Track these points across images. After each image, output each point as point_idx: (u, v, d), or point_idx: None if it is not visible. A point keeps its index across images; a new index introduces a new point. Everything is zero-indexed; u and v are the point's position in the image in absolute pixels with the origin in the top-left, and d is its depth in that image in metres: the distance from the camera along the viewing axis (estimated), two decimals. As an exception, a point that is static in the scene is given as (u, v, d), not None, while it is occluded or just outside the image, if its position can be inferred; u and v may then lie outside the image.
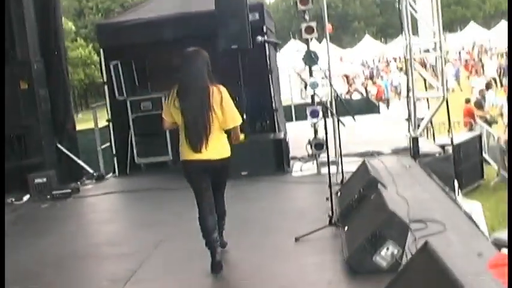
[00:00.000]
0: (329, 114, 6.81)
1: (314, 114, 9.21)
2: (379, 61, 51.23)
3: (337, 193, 7.08)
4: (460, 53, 51.85)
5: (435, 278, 3.15)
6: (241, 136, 9.31)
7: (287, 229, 6.37)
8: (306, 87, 22.21)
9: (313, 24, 9.02)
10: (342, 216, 6.08)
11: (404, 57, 9.93)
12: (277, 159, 9.46)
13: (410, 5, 9.41)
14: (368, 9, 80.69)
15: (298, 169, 9.68)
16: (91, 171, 10.65)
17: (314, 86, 9.08)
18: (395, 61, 45.56)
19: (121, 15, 11.88)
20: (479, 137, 14.13)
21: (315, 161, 9.63)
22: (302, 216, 6.96)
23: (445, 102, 9.82)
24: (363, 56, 52.92)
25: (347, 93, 29.74)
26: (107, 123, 10.84)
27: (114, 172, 10.74)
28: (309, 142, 9.48)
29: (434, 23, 9.74)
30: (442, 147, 10.13)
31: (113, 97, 10.62)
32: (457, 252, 5.10)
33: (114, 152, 10.65)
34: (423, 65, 36.34)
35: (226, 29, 9.17)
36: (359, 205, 5.90)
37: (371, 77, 38.78)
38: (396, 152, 10.09)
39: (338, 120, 7.09)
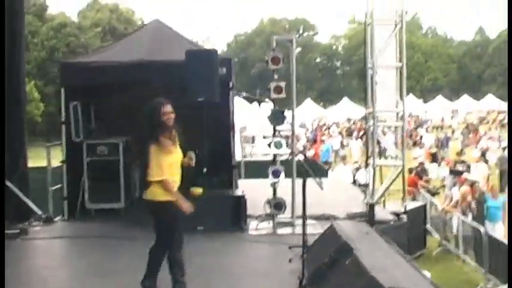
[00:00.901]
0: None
1: (276, 174, 9.19)
2: (318, 125, 52.18)
3: (302, 256, 6.99)
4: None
5: None
6: (199, 190, 9.28)
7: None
8: (252, 142, 22.54)
9: (283, 84, 9.09)
10: (311, 280, 6.00)
11: (366, 125, 10.09)
12: (235, 216, 9.32)
13: (377, 74, 9.61)
14: (310, 72, 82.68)
15: (254, 227, 9.55)
16: (39, 212, 10.21)
17: (278, 145, 9.10)
18: (337, 126, 46.59)
19: (85, 56, 11.69)
20: (424, 206, 14.45)
21: (271, 221, 9.56)
22: (266, 277, 6.85)
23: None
24: (302, 119, 53.87)
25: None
26: (60, 164, 10.48)
27: (63, 215, 10.32)
28: (268, 201, 9.41)
29: (396, 93, 9.98)
30: (396, 214, 10.24)
31: (69, 138, 10.31)
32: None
33: (65, 194, 10.27)
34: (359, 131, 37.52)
35: (195, 81, 9.10)
36: (332, 269, 5.84)
37: (314, 140, 39.31)
38: (351, 217, 10.11)
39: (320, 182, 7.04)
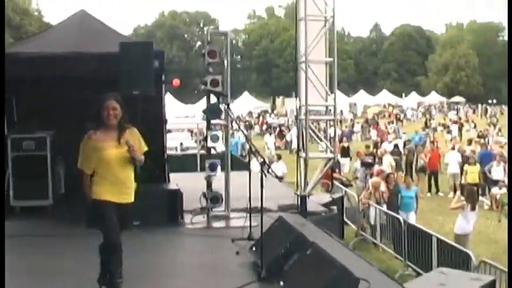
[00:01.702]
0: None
1: (213, 167, 9.17)
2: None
3: (251, 248, 7.04)
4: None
5: None
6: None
7: (207, 284, 6.22)
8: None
9: (219, 77, 9.07)
10: (269, 272, 6.05)
11: (297, 118, 10.25)
12: (171, 210, 9.22)
13: (310, 68, 9.78)
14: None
15: (188, 221, 9.49)
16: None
17: (215, 139, 9.08)
18: (240, 120, 46.97)
19: (11, 46, 11.10)
20: (342, 198, 14.86)
21: (205, 215, 9.55)
22: (215, 271, 6.83)
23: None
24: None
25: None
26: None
27: (-15, 213, 9.77)
28: (204, 195, 9.38)
29: (326, 89, 10.20)
30: (327, 206, 10.50)
31: (-9, 132, 9.81)
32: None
33: (-12, 191, 9.75)
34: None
35: (130, 74, 8.90)
36: (292, 260, 5.91)
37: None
38: (283, 209, 10.26)
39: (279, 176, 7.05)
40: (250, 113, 60.55)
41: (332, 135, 10.89)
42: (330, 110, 10.38)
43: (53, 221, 9.52)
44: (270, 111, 67.49)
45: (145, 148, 6.00)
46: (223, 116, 9.39)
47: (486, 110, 65.78)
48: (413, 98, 72.93)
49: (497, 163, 19.48)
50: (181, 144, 29.97)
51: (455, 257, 10.21)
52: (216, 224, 9.44)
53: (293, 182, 13.58)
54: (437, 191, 21.13)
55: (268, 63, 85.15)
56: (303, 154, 10.28)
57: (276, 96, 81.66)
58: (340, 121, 54.26)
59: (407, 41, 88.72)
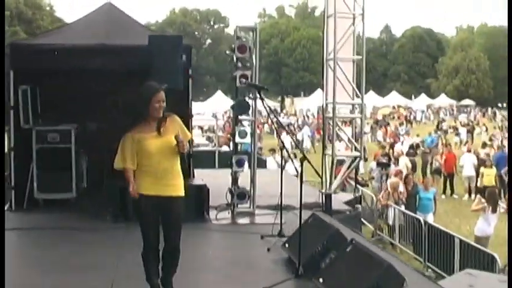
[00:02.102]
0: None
1: (241, 163, 9.12)
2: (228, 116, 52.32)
3: (284, 245, 6.98)
4: (307, 116, 54.45)
5: None
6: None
7: (242, 280, 6.16)
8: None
9: (249, 72, 9.02)
10: (306, 269, 5.99)
11: (323, 116, 10.19)
12: (197, 206, 9.15)
13: (339, 66, 9.72)
14: (220, 64, 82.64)
15: (213, 217, 9.43)
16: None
17: (243, 134, 9.03)
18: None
19: (34, 38, 11.05)
20: (360, 198, 14.80)
21: (230, 211, 9.50)
22: (248, 266, 6.77)
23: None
24: (213, 111, 53.70)
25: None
26: (7, 152, 9.90)
27: (10, 205, 9.73)
28: (230, 191, 9.32)
29: (354, 87, 10.14)
30: (351, 204, 10.44)
31: (17, 124, 9.74)
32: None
33: (12, 183, 9.70)
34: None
35: (159, 67, 8.83)
36: (328, 258, 5.86)
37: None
38: (308, 207, 10.16)
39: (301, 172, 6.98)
40: (259, 112, 60.45)
41: (344, 136, 10.79)
42: (356, 108, 10.33)
43: (77, 214, 9.46)
44: (279, 110, 67.39)
45: (189, 135, 5.88)
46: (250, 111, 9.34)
47: (495, 113, 65.51)
48: (422, 100, 72.64)
49: (513, 166, 19.39)
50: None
51: (479, 259, 10.15)
52: (242, 221, 9.39)
53: (308, 180, 13.52)
54: (452, 193, 21.03)
55: (278, 62, 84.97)
56: (328, 152, 10.23)
57: (285, 96, 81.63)
58: (350, 122, 54.36)
59: (417, 43, 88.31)
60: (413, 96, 74.53)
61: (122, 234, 8.11)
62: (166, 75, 8.82)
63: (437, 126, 44.83)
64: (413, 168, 21.48)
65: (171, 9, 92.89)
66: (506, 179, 19.20)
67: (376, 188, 17.94)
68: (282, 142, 7.96)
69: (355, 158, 10.23)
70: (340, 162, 18.04)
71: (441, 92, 79.21)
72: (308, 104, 61.71)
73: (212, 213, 9.47)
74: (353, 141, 10.38)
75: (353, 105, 10.31)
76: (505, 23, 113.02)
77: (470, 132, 40.37)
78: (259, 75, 9.49)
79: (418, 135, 34.46)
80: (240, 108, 9.08)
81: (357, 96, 10.07)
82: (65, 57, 9.28)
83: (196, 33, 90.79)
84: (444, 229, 11.85)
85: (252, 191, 9.56)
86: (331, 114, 10.08)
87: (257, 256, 7.14)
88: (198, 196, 9.13)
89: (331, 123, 10.07)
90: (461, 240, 10.85)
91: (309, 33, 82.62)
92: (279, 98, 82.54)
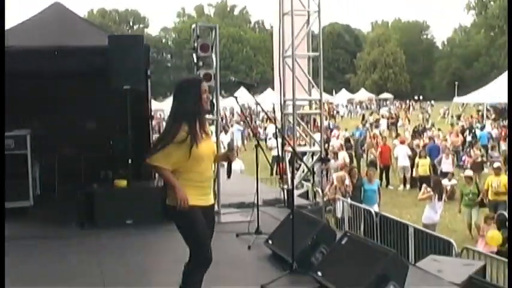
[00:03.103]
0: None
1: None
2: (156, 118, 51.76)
3: (267, 241, 7.01)
4: (232, 114, 54.65)
5: None
6: (124, 182, 8.92)
7: (235, 278, 6.14)
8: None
9: (211, 71, 8.97)
10: (299, 263, 6.04)
11: (282, 112, 10.27)
12: (165, 207, 8.99)
13: (297, 62, 9.81)
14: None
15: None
16: None
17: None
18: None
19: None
20: (307, 192, 14.98)
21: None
22: (235, 265, 6.73)
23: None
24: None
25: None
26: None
27: (-35, 217, 9.26)
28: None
29: (313, 83, 10.26)
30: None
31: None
32: None
33: (-34, 193, 9.23)
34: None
35: (118, 68, 8.65)
36: (321, 252, 5.93)
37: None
38: (270, 203, 10.25)
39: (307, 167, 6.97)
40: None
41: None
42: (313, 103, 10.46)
43: (38, 222, 9.16)
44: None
45: None
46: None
47: (409, 107, 67.80)
48: (343, 95, 74.30)
49: (446, 156, 20.17)
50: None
51: (435, 246, 10.47)
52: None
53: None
54: (388, 184, 21.60)
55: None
56: (287, 148, 10.32)
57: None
58: (274, 119, 54.79)
59: (336, 39, 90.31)
60: (334, 92, 76.12)
61: (93, 241, 7.94)
62: (127, 76, 8.71)
63: (362, 119, 45.89)
64: (351, 161, 21.97)
65: (89, 10, 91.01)
66: (439, 167, 19.97)
67: (316, 183, 18.17)
68: (258, 141, 7.91)
69: (313, 152, 10.35)
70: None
71: (360, 87, 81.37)
72: (231, 102, 61.81)
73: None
74: (312, 136, 10.51)
75: (310, 100, 10.42)
76: (418, 17, 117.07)
77: (394, 124, 41.64)
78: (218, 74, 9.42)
79: (346, 130, 35.20)
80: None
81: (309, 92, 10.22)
82: (18, 59, 8.93)
83: (115, 34, 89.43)
84: (397, 219, 12.16)
85: (217, 190, 9.51)
86: (288, 111, 10.18)
87: (239, 254, 7.12)
88: (165, 198, 8.96)
89: (290, 120, 10.16)
90: (415, 229, 11.17)
91: (229, 32, 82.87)
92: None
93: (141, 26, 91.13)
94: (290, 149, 10.09)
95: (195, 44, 8.92)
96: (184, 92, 4.75)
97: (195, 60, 9.10)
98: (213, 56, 9.24)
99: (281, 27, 10.01)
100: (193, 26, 9.26)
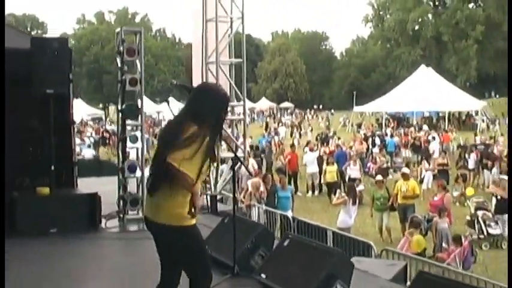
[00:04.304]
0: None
1: (132, 168, 8.92)
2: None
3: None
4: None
5: None
6: (47, 189, 8.63)
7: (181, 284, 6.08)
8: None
9: (138, 76, 8.86)
10: (240, 267, 6.07)
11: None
12: (90, 215, 8.80)
13: (221, 68, 9.87)
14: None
15: (110, 226, 9.13)
16: None
17: (134, 140, 8.86)
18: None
19: None
20: (221, 199, 15.05)
21: (120, 219, 9.26)
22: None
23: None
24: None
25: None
26: None
27: None
28: (122, 197, 9.09)
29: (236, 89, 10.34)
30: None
31: None
32: None
33: None
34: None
35: (42, 72, 8.37)
36: (260, 254, 6.01)
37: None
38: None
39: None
40: (81, 121, 58.55)
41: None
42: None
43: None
44: (103, 118, 65.89)
45: None
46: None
47: (313, 115, 69.51)
48: (239, 104, 74.66)
49: (354, 162, 20.81)
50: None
51: (354, 248, 10.79)
52: (132, 228, 9.17)
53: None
54: (296, 190, 21.99)
55: (99, 69, 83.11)
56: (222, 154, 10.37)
57: (108, 104, 79.91)
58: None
59: (237, 48, 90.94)
60: (235, 100, 76.59)
61: (17, 250, 7.62)
62: (51, 80, 8.46)
63: (266, 127, 46.51)
64: (259, 168, 22.23)
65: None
66: (346, 174, 20.56)
67: (227, 190, 18.25)
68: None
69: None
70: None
71: (261, 96, 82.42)
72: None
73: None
74: (235, 142, 10.58)
75: (233, 107, 10.51)
76: (317, 28, 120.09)
77: (298, 132, 42.59)
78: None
79: (251, 137, 35.57)
80: (130, 112, 8.89)
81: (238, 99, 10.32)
82: None
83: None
84: (315, 223, 12.43)
85: (142, 197, 9.37)
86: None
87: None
88: (90, 205, 8.78)
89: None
90: (334, 232, 11.45)
91: (130, 39, 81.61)
92: (100, 106, 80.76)
93: (39, 31, 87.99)
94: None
95: (121, 48, 8.77)
96: (220, 104, 4.35)
97: (119, 65, 8.95)
98: (137, 60, 9.14)
99: (204, 34, 10.02)
100: (118, 30, 9.12)
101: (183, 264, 4.30)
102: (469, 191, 19.55)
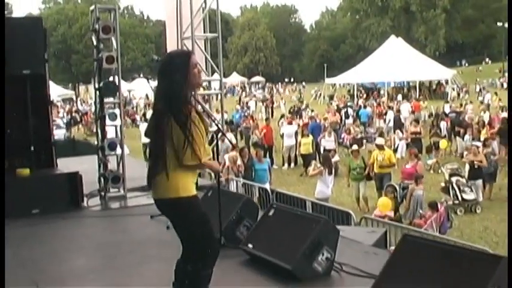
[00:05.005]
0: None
1: (113, 146, 8.94)
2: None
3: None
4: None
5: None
6: (27, 170, 8.62)
7: (167, 257, 6.17)
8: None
9: (114, 54, 8.83)
10: (226, 238, 6.16)
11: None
12: (72, 194, 8.81)
13: (196, 43, 9.88)
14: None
15: (91, 204, 9.14)
16: None
17: (113, 117, 8.86)
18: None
19: None
20: (200, 174, 15.13)
21: (102, 196, 9.30)
22: (163, 245, 6.71)
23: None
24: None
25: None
26: None
27: None
28: (103, 175, 9.11)
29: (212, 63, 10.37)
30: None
31: None
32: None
33: None
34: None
35: (19, 52, 8.31)
36: (246, 225, 6.12)
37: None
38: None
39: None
40: (51, 102, 57.94)
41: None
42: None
43: None
44: (74, 98, 65.27)
45: None
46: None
47: (272, 88, 69.59)
48: (216, 78, 74.54)
49: (328, 134, 21.00)
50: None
51: (334, 217, 10.97)
52: (114, 205, 9.21)
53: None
54: (272, 163, 22.13)
55: (67, 49, 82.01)
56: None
57: (77, 83, 79.03)
58: (149, 104, 54.35)
59: (210, 23, 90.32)
60: (211, 75, 76.31)
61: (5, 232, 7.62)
62: (27, 60, 8.41)
63: (239, 102, 46.55)
64: (237, 142, 22.34)
65: None
66: (321, 145, 20.74)
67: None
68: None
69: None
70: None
71: (232, 71, 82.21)
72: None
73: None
74: (212, 116, 10.64)
75: (209, 81, 10.55)
76: (286, 2, 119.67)
77: (271, 106, 42.68)
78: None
79: (226, 112, 35.58)
80: (108, 90, 8.88)
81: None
82: None
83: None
84: (293, 194, 12.61)
85: (122, 175, 9.41)
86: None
87: (160, 234, 7.09)
88: (71, 185, 8.79)
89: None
90: (313, 203, 11.62)
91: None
92: (70, 86, 79.84)
93: (5, 12, 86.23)
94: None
95: (96, 26, 8.72)
96: (175, 70, 4.03)
97: (95, 43, 8.92)
98: (113, 38, 9.10)
99: (178, 9, 10.00)
100: (92, 7, 9.05)
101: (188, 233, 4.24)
102: (443, 143, 20.01)
